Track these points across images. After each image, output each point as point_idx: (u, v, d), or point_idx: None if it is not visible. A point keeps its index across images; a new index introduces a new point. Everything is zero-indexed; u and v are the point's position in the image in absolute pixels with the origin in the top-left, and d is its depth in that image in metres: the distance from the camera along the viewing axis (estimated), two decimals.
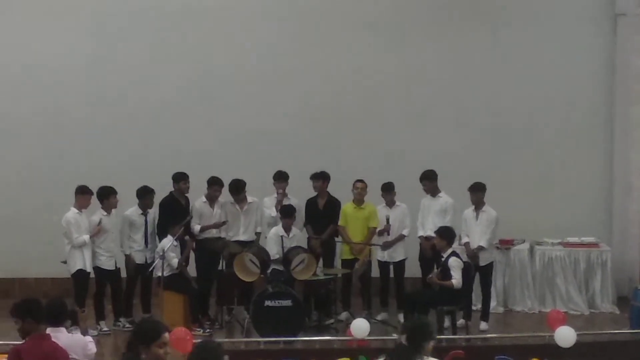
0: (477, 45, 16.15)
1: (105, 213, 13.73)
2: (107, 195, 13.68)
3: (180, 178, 14.19)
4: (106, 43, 15.81)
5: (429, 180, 14.27)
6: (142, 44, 15.86)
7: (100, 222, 13.58)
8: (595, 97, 16.28)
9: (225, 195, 14.42)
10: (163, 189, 14.26)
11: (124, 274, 14.07)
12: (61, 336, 8.38)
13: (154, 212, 14.14)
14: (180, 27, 15.88)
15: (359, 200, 14.46)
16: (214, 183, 14.24)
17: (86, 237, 13.45)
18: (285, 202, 14.36)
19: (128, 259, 13.92)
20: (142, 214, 14.01)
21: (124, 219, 13.95)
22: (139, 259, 13.95)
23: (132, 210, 14.03)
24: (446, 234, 13.19)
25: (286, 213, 13.97)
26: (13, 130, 15.75)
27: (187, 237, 13.75)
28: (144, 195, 13.98)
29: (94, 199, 13.71)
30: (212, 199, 14.30)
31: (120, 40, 15.82)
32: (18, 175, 15.68)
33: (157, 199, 14.17)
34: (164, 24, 15.83)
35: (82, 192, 13.55)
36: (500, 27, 16.18)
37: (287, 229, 13.96)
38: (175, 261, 13.52)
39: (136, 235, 13.99)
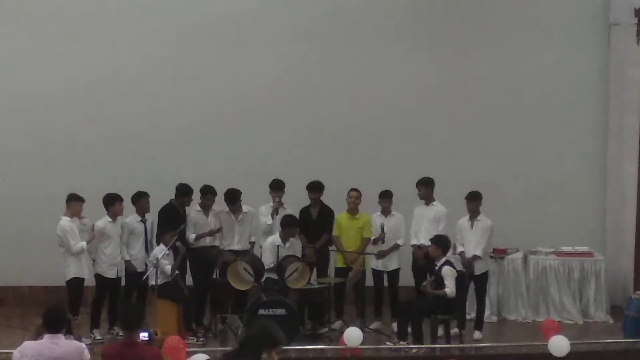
0: (471, 55, 16.16)
1: (110, 220, 13.72)
2: (112, 202, 13.68)
3: (186, 192, 14.19)
4: (115, 56, 15.84)
5: (425, 186, 14.26)
6: (149, 58, 15.91)
7: (93, 228, 13.56)
8: (589, 106, 16.31)
9: (219, 204, 14.42)
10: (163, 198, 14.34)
11: (124, 282, 14.04)
12: (60, 342, 8.39)
13: (152, 219, 14.13)
14: (190, 44, 15.97)
15: (353, 210, 14.46)
16: (207, 192, 14.25)
17: (83, 243, 13.41)
18: (281, 211, 14.36)
19: (127, 264, 13.89)
20: (140, 220, 14.00)
21: (123, 227, 13.92)
22: (139, 266, 13.90)
23: (131, 217, 14.02)
24: (441, 243, 13.20)
25: (288, 223, 13.96)
26: (6, 141, 15.75)
27: (178, 244, 13.72)
28: (138, 199, 13.98)
29: (91, 207, 13.68)
30: (206, 208, 14.31)
31: (124, 54, 15.90)
32: (11, 184, 15.67)
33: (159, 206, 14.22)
34: (171, 41, 15.95)
35: (75, 199, 13.54)
36: (496, 37, 16.20)
37: (285, 239, 13.96)
38: (168, 268, 13.49)
39: (137, 243, 13.96)
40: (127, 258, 13.87)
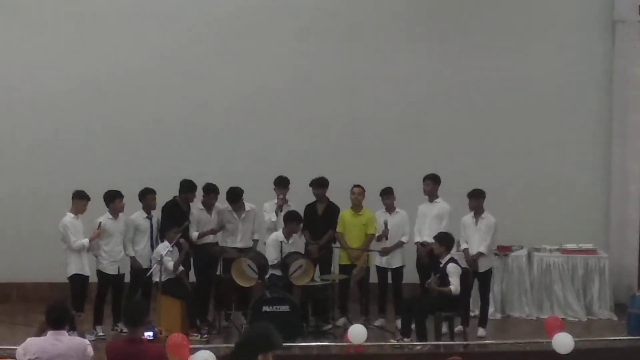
0: (475, 52, 16.16)
1: (111, 217, 13.72)
2: (112, 199, 13.68)
3: (189, 188, 14.17)
4: (118, 54, 15.86)
5: (433, 181, 14.26)
6: (152, 56, 15.92)
7: (99, 225, 13.56)
8: (593, 104, 16.30)
9: (223, 202, 14.41)
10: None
11: (127, 279, 14.02)
12: (63, 338, 8.39)
13: (158, 216, 14.13)
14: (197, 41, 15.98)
15: (356, 206, 14.46)
16: (210, 190, 14.24)
17: (85, 240, 13.43)
18: (285, 208, 14.34)
19: (133, 261, 13.90)
20: (146, 217, 14.00)
21: (129, 223, 13.93)
22: (145, 263, 13.89)
23: (137, 214, 14.02)
24: (445, 240, 13.19)
25: (291, 218, 13.96)
26: (10, 138, 15.77)
27: (182, 240, 13.73)
28: (144, 195, 13.97)
29: (93, 204, 13.68)
30: (208, 206, 14.31)
31: (125, 49, 15.90)
32: (14, 181, 15.67)
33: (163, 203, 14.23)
34: (175, 36, 15.95)
35: (79, 197, 13.55)
36: (499, 35, 16.19)
37: (288, 235, 13.95)
38: (171, 265, 13.49)
39: (142, 240, 13.96)
40: (132, 254, 13.88)
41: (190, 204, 14.29)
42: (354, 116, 16.11)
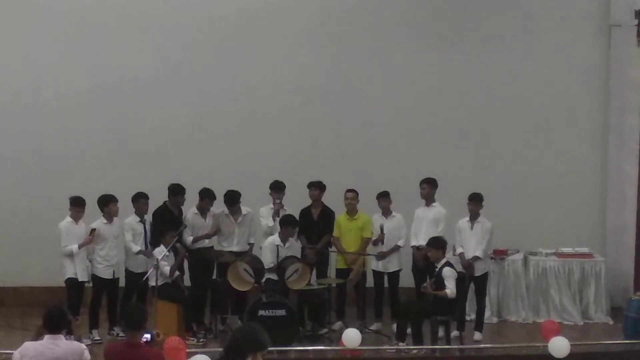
0: (472, 56, 16.16)
1: (105, 221, 13.70)
2: (106, 203, 13.66)
3: (178, 192, 14.16)
4: (116, 57, 15.84)
5: (429, 185, 14.25)
6: (149, 59, 15.91)
7: (92, 232, 13.53)
8: (589, 107, 16.32)
9: (218, 205, 14.42)
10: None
11: (122, 283, 14.01)
12: (60, 343, 8.39)
13: (150, 220, 14.12)
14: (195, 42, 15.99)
15: (351, 211, 14.45)
16: (206, 196, 14.24)
17: (74, 247, 13.38)
18: (282, 213, 14.34)
19: (143, 254, 13.86)
20: (139, 221, 13.99)
21: (124, 227, 13.92)
22: (140, 266, 13.84)
23: (130, 218, 14.00)
24: (438, 244, 13.17)
25: (287, 223, 13.95)
26: (7, 141, 15.75)
27: (178, 245, 13.72)
28: (137, 199, 13.98)
29: (92, 209, 13.67)
30: (203, 211, 14.30)
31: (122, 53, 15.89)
32: (11, 184, 15.65)
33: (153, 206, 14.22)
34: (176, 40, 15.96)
35: (74, 204, 13.55)
36: (495, 38, 16.21)
37: (284, 239, 13.95)
38: (167, 269, 13.47)
39: (137, 243, 13.90)
40: (138, 249, 13.81)
41: (182, 207, 14.28)
42: (352, 121, 16.10)
